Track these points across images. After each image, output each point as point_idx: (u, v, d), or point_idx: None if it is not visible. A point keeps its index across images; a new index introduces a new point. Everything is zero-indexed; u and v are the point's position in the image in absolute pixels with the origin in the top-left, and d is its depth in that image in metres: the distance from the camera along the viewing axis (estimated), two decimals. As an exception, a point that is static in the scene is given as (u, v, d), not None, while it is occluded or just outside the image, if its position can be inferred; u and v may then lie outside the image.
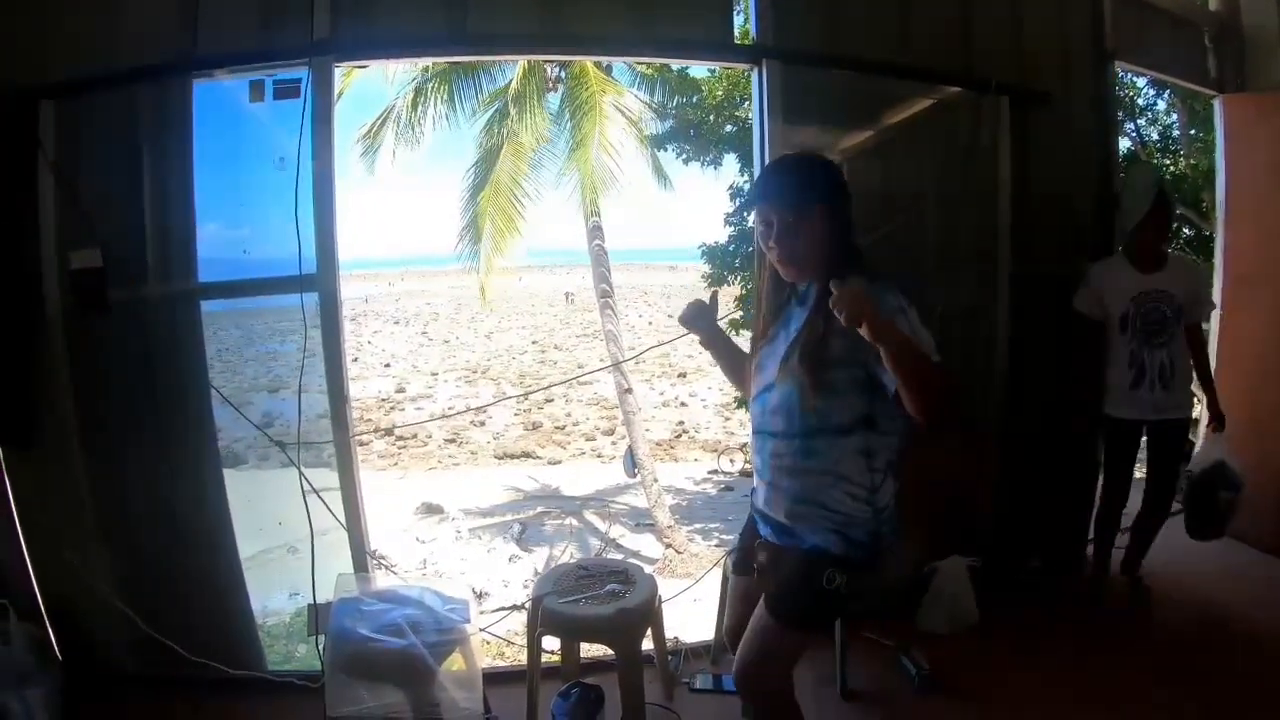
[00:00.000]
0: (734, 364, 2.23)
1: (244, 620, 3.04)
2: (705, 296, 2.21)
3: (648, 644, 2.76)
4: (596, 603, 2.58)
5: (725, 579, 3.01)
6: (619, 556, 13.37)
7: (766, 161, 3.04)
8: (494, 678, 2.87)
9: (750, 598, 2.10)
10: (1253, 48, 4.23)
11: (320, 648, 2.52)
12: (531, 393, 24.09)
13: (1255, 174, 4.11)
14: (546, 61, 11.55)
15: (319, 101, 2.69)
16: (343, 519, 2.85)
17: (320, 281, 2.76)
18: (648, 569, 2.85)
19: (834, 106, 3.18)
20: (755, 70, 3.07)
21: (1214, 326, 4.32)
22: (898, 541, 1.96)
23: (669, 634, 2.98)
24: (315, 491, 2.77)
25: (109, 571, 2.89)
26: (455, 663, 2.38)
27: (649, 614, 2.65)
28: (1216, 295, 4.28)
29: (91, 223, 2.70)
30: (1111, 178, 3.76)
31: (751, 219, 1.99)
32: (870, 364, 1.74)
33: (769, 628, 1.96)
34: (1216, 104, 4.34)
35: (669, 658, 3.00)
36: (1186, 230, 10.35)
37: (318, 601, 2.70)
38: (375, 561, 3.01)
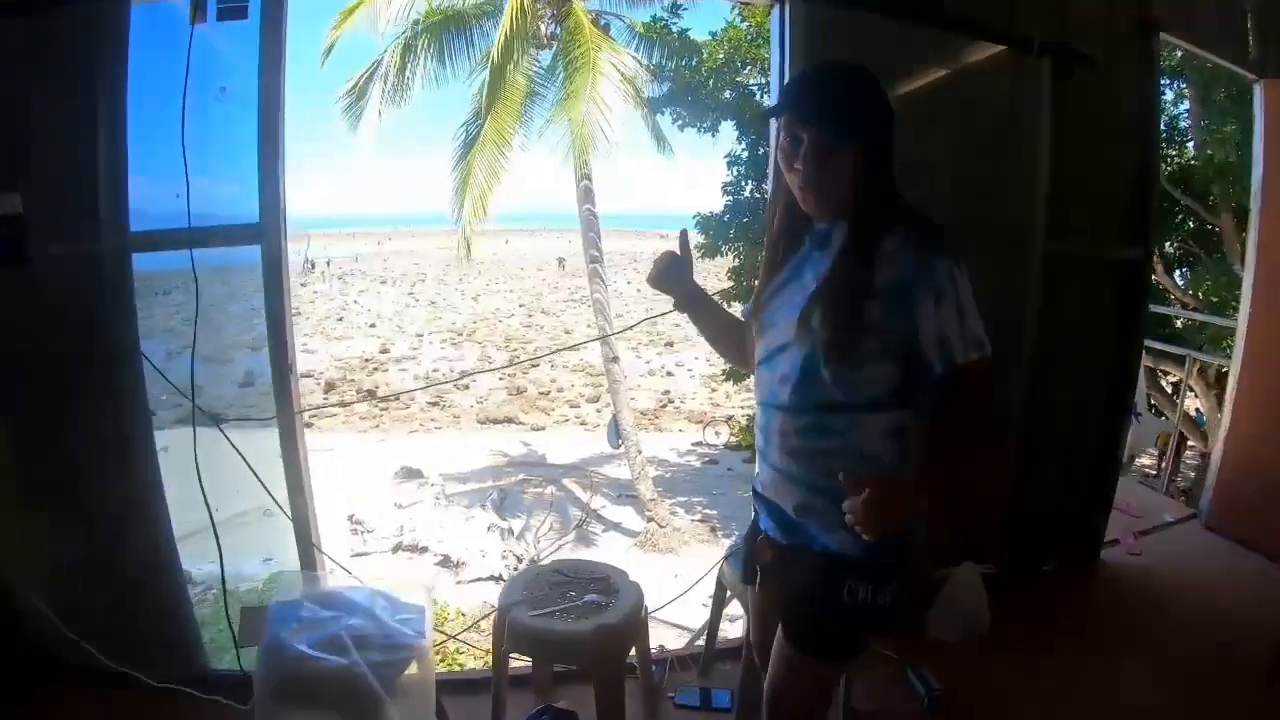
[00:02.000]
0: (719, 329, 1.87)
1: (180, 614, 2.69)
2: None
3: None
4: (574, 616, 2.24)
5: (720, 584, 2.71)
6: (600, 529, 13.18)
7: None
8: (455, 686, 2.60)
9: (769, 608, 1.80)
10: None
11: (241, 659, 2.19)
12: (520, 364, 23.95)
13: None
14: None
15: (269, 23, 2.28)
16: (287, 507, 2.49)
17: (263, 234, 2.36)
18: (631, 575, 2.50)
19: (862, 57, 2.79)
20: (778, 8, 2.71)
21: (1241, 324, 4.05)
22: (924, 546, 1.65)
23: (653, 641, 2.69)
24: (253, 471, 2.41)
25: (32, 558, 2.56)
26: (411, 671, 2.07)
27: (633, 630, 2.33)
28: (1247, 291, 4.02)
29: (12, 165, 2.32)
30: (1152, 155, 3.46)
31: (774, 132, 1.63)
32: (910, 335, 1.46)
33: (788, 657, 1.64)
34: (1256, 89, 4.02)
35: (653, 668, 2.71)
36: (1190, 223, 10.21)
37: (248, 604, 2.34)
38: (327, 554, 2.65)
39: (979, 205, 3.02)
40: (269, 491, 2.44)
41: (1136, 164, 3.44)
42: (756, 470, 1.77)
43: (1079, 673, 2.87)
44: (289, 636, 2.02)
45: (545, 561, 11.14)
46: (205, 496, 2.37)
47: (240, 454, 2.40)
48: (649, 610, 2.49)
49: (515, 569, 11.31)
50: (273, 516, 2.59)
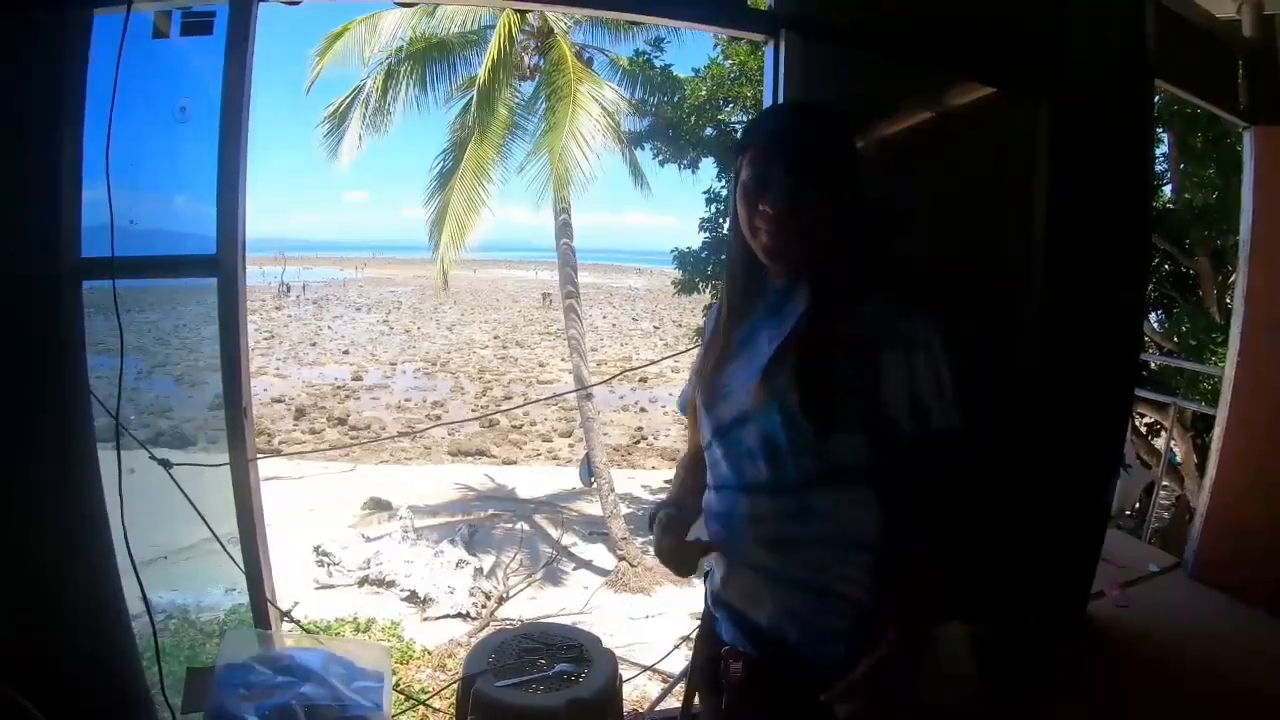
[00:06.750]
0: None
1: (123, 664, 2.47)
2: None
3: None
4: (544, 687, 2.07)
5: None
6: (571, 566, 12.93)
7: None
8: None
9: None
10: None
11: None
12: (535, 403, 23.73)
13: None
14: (528, 9, 11.01)
15: (235, 39, 2.11)
16: (240, 559, 2.28)
17: (220, 266, 2.17)
18: (605, 641, 2.33)
19: (859, 94, 2.67)
20: (771, 45, 2.60)
21: (1228, 373, 3.99)
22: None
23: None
24: (204, 519, 2.22)
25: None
26: None
27: (608, 704, 2.14)
28: (1234, 339, 3.96)
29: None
30: (1146, 200, 3.39)
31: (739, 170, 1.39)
32: (881, 399, 1.29)
33: None
34: (1246, 136, 3.97)
35: (627, 735, 2.55)
36: (1166, 266, 10.24)
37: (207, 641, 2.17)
38: (283, 614, 2.45)
39: (974, 251, 2.93)
40: (222, 543, 2.25)
41: (1131, 209, 3.37)
42: (709, 569, 1.53)
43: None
44: (236, 703, 1.86)
45: (513, 617, 10.98)
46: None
47: (189, 499, 2.21)
48: (623, 679, 2.32)
49: (483, 606, 11.06)
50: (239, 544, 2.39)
